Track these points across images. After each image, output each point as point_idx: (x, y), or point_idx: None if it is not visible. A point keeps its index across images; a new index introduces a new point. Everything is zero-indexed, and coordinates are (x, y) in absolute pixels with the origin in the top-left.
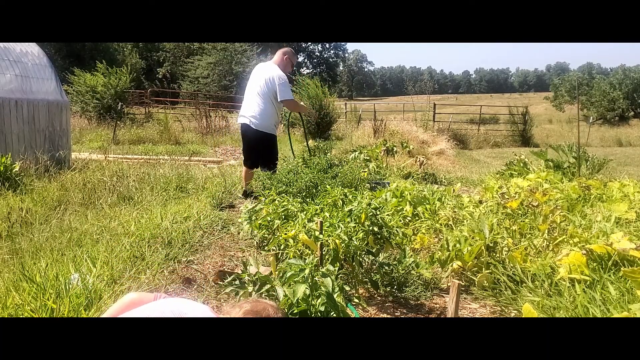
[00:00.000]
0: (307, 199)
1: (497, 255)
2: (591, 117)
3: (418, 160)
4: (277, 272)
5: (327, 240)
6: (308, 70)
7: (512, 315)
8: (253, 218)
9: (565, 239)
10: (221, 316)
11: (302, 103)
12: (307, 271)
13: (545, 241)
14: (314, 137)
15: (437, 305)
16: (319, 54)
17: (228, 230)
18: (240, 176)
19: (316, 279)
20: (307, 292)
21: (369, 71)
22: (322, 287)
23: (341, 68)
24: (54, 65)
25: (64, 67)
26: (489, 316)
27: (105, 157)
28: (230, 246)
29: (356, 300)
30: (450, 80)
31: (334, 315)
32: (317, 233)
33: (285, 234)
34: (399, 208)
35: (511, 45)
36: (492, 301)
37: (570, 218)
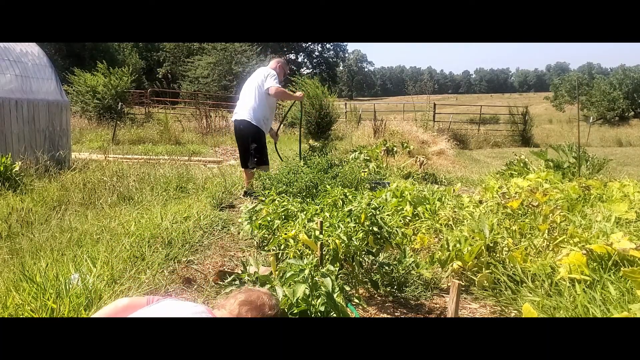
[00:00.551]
0: (307, 199)
1: (497, 255)
2: (591, 117)
3: (418, 160)
4: (277, 272)
5: (327, 240)
6: (308, 70)
7: (512, 315)
8: (253, 218)
9: (565, 239)
10: (217, 311)
11: (297, 94)
12: (307, 271)
13: (546, 241)
14: (314, 137)
15: (437, 305)
16: (318, 54)
17: (228, 230)
18: (240, 176)
19: (316, 279)
20: (307, 292)
21: (369, 71)
22: (322, 287)
23: (341, 68)
24: (54, 65)
25: (64, 67)
26: (489, 316)
27: (105, 157)
28: (230, 246)
29: (356, 300)
30: (450, 80)
31: (334, 315)
32: (317, 233)
33: (285, 234)
34: (399, 208)
35: (511, 45)
36: (492, 301)
37: (570, 218)
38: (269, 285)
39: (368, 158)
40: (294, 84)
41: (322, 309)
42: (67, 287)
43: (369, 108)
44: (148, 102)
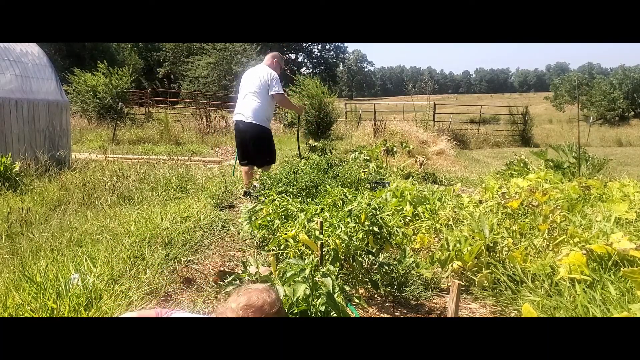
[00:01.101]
0: (307, 199)
1: (497, 255)
2: (591, 117)
3: (418, 160)
4: (277, 272)
5: (327, 240)
6: (308, 71)
7: (512, 315)
8: (253, 218)
9: (565, 239)
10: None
11: (294, 102)
12: (307, 271)
13: (545, 241)
14: (314, 137)
15: (437, 305)
16: (319, 54)
17: (228, 230)
18: (240, 176)
19: (316, 278)
20: (308, 292)
21: (369, 71)
22: (322, 287)
23: (341, 68)
24: (54, 65)
25: (64, 67)
26: (489, 316)
27: (105, 157)
28: (230, 246)
29: (356, 300)
30: (450, 80)
31: (334, 315)
32: (317, 233)
33: (285, 234)
34: (399, 208)
35: (511, 45)
36: (492, 301)
37: (570, 218)
38: (269, 285)
39: (368, 158)
40: (294, 83)
41: (322, 308)
42: (67, 287)
43: (369, 108)
44: (148, 102)
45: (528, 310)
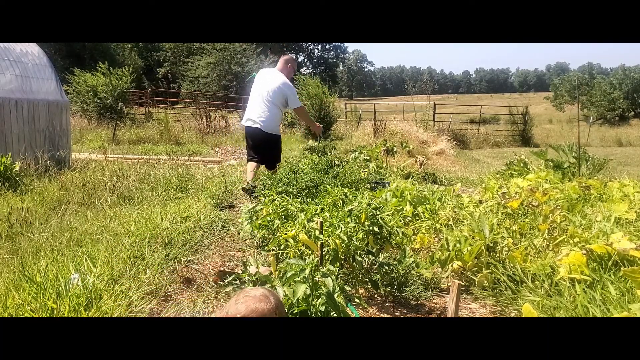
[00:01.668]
0: (307, 199)
1: (497, 255)
2: (591, 117)
3: (418, 160)
4: (277, 272)
5: (327, 240)
6: (308, 71)
7: (512, 315)
8: (253, 218)
9: (565, 239)
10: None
11: (317, 125)
12: (307, 271)
13: (545, 241)
14: (314, 137)
15: (437, 305)
16: (319, 54)
17: (228, 230)
18: (240, 176)
19: (316, 279)
20: (308, 292)
21: (369, 71)
22: (322, 287)
23: (341, 68)
24: (54, 65)
25: (64, 67)
26: (489, 316)
27: (105, 157)
28: (231, 246)
29: (356, 300)
30: (450, 80)
31: (334, 315)
32: (317, 233)
33: (286, 234)
34: (399, 208)
35: (511, 45)
36: (492, 301)
37: (570, 218)
38: (269, 285)
39: (368, 158)
40: (295, 83)
41: (322, 309)
42: (67, 287)
43: (369, 108)
44: (148, 102)
45: (528, 310)
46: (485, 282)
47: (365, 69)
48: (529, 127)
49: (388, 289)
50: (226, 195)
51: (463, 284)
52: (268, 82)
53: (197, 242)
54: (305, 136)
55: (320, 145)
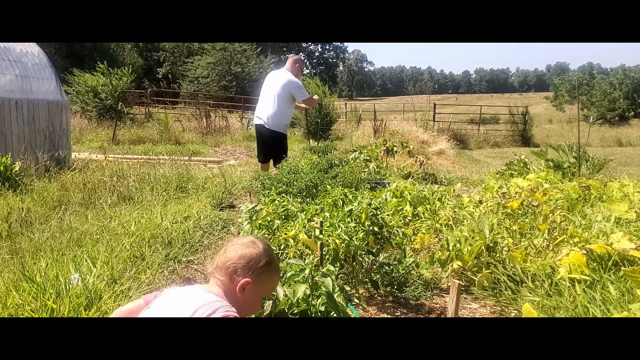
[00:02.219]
0: (307, 199)
1: (497, 255)
2: (591, 117)
3: (418, 160)
4: None
5: (327, 240)
6: (307, 70)
7: (512, 315)
8: (253, 218)
9: (565, 239)
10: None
11: (315, 97)
12: (307, 271)
13: (545, 241)
14: (314, 137)
15: (437, 305)
16: (318, 54)
17: (228, 230)
18: (240, 176)
19: (316, 279)
20: (308, 292)
21: (369, 71)
22: (322, 287)
23: (341, 68)
24: (54, 65)
25: (64, 67)
26: (489, 316)
27: (105, 157)
28: None
29: (356, 300)
30: (450, 80)
31: (334, 315)
32: (317, 233)
33: (286, 234)
34: (399, 208)
35: (511, 45)
36: (492, 301)
37: (570, 218)
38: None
39: (368, 158)
40: None
41: (322, 309)
42: (67, 287)
43: (369, 108)
44: (148, 102)
45: (528, 310)
46: (485, 282)
47: (365, 69)
48: (529, 127)
49: (388, 289)
50: (226, 195)
51: (463, 284)
52: (276, 81)
53: (197, 242)
54: (305, 136)
55: (320, 146)
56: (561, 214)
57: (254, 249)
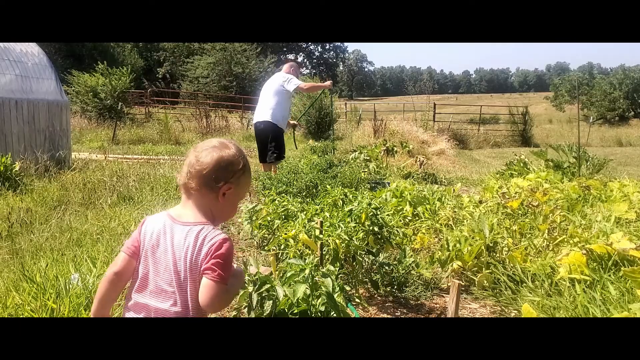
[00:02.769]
0: (307, 199)
1: (497, 255)
2: (591, 117)
3: (418, 160)
4: (277, 272)
5: (327, 240)
6: (307, 71)
7: (512, 315)
8: (253, 218)
9: (565, 239)
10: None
11: (313, 84)
12: (307, 271)
13: (545, 241)
14: (314, 137)
15: (437, 305)
16: (318, 54)
17: (228, 230)
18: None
19: (316, 279)
20: (308, 292)
21: (369, 71)
22: (322, 287)
23: (341, 68)
24: (54, 65)
25: (64, 67)
26: (489, 316)
27: (105, 157)
28: None
29: (356, 300)
30: (450, 80)
31: (334, 315)
32: (317, 233)
33: (286, 233)
34: (399, 208)
35: (511, 45)
36: (492, 301)
37: (570, 218)
38: (269, 285)
39: (368, 158)
40: None
41: (322, 309)
42: (67, 287)
43: (369, 108)
44: (148, 102)
45: (527, 311)
46: (485, 282)
47: (365, 69)
48: (529, 127)
49: (388, 289)
50: None
51: (463, 284)
52: (271, 83)
53: None
54: (305, 136)
55: (320, 146)
56: (561, 214)
57: (228, 150)
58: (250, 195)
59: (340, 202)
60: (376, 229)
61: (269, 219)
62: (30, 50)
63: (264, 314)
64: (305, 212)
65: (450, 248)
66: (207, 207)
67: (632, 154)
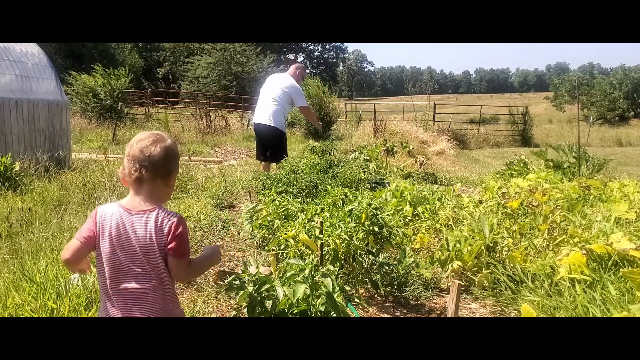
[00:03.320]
0: (308, 199)
1: (497, 255)
2: (591, 117)
3: (418, 160)
4: (277, 272)
5: (327, 240)
6: (307, 71)
7: (512, 315)
8: (253, 218)
9: (565, 239)
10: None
11: (315, 115)
12: (307, 271)
13: (545, 241)
14: (314, 137)
15: (437, 305)
16: (318, 54)
17: (228, 230)
18: (240, 176)
19: (316, 278)
20: (307, 292)
21: (369, 71)
22: (322, 287)
23: (341, 68)
24: (54, 65)
25: (64, 67)
26: (489, 316)
27: (105, 157)
28: (231, 246)
29: (356, 300)
30: (450, 80)
31: (334, 315)
32: (317, 233)
33: (286, 233)
34: (399, 208)
35: (511, 45)
36: (492, 301)
37: (570, 218)
38: (269, 285)
39: (368, 158)
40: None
41: (322, 309)
42: (67, 287)
43: (369, 108)
44: (148, 102)
45: (527, 311)
46: (485, 282)
47: (365, 69)
48: (529, 127)
49: (388, 289)
50: (226, 195)
51: (463, 284)
52: (277, 83)
53: (197, 242)
54: (305, 136)
55: (320, 146)
56: (561, 214)
57: (169, 141)
58: (250, 195)
59: (340, 202)
60: (376, 229)
61: (269, 219)
62: (30, 50)
63: (264, 314)
64: (305, 212)
65: (450, 248)
66: (157, 194)
67: (632, 154)
